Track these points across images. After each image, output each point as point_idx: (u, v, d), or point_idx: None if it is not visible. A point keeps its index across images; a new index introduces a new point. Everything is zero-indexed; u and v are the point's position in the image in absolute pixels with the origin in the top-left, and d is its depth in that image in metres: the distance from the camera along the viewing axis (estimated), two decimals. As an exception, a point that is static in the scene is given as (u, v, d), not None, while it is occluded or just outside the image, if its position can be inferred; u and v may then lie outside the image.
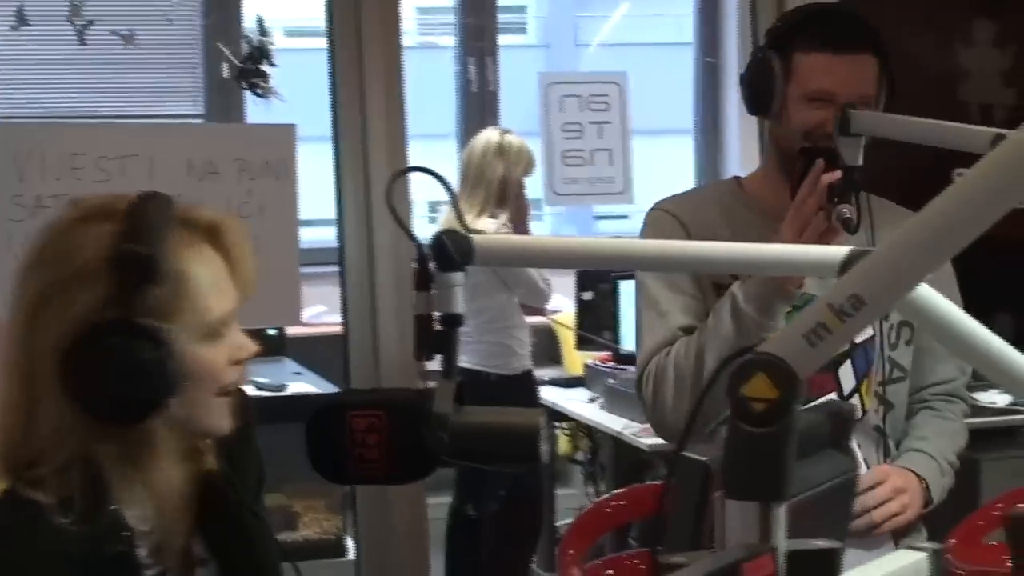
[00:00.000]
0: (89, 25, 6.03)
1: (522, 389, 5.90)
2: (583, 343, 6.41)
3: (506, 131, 5.90)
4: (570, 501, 6.55)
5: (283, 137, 4.09)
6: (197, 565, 1.97)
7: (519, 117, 7.84)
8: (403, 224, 1.98)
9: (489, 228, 5.56)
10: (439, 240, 1.99)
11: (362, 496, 4.23)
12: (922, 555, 1.69)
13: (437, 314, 1.94)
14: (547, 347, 7.03)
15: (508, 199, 5.71)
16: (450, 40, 7.81)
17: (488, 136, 5.85)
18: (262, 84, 5.88)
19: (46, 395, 1.79)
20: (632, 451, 5.43)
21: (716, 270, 2.73)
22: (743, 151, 7.57)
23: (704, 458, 1.76)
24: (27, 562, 1.77)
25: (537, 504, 5.99)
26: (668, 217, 2.95)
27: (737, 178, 3.09)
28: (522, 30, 11.19)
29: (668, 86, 7.88)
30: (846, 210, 2.65)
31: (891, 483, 2.76)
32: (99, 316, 1.77)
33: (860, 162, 2.77)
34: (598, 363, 6.25)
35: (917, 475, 2.82)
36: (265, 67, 5.89)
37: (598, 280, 6.01)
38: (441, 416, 1.82)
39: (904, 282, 1.48)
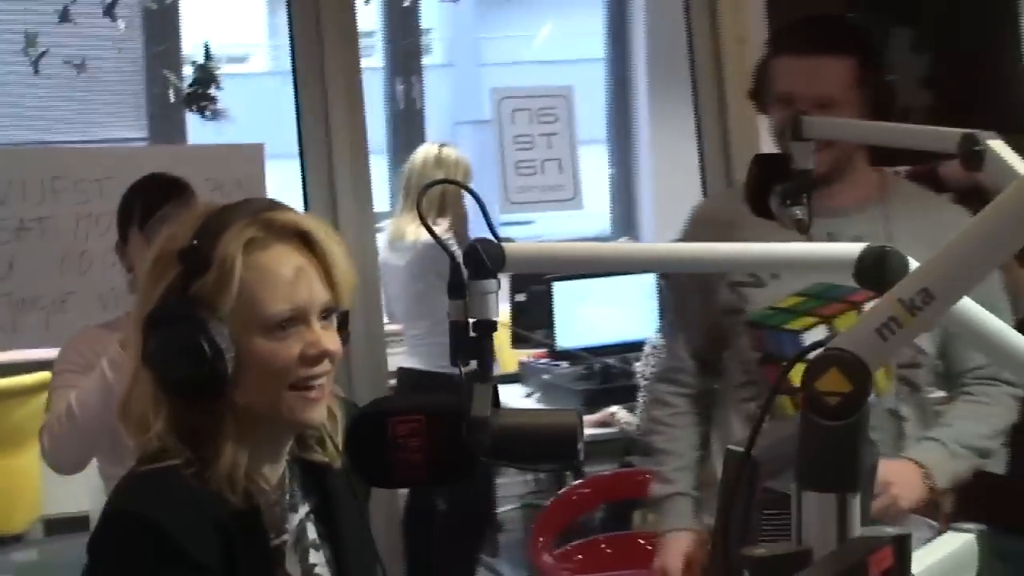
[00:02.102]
0: (43, 55, 5.90)
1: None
2: (517, 341, 6.35)
3: (443, 144, 5.82)
4: (506, 489, 6.50)
5: (252, 156, 4.00)
6: (311, 547, 1.96)
7: (438, 131, 7.79)
8: (435, 235, 1.89)
9: (432, 234, 5.48)
10: (472, 249, 1.91)
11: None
12: (970, 536, 1.63)
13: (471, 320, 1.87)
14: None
15: (448, 208, 5.61)
16: (378, 61, 7.74)
17: (427, 149, 5.78)
18: (211, 106, 5.78)
19: (141, 366, 1.85)
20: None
21: (737, 269, 2.69)
22: (652, 158, 7.58)
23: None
24: (176, 520, 1.78)
25: (488, 495, 5.91)
26: (703, 211, 3.04)
27: None
28: (428, 51, 11.18)
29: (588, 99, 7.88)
30: (799, 212, 2.58)
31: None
32: (165, 299, 1.83)
33: (812, 166, 2.71)
34: (533, 360, 6.20)
35: (917, 463, 2.72)
36: (212, 91, 5.80)
37: (531, 282, 5.96)
38: (481, 419, 1.76)
39: (974, 275, 1.41)
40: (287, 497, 1.94)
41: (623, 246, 2.25)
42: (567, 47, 9.08)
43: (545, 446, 1.84)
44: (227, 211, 1.86)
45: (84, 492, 5.70)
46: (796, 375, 2.69)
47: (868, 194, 2.85)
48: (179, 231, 1.87)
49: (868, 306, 2.75)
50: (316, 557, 1.96)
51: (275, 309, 1.84)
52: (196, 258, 1.81)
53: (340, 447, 1.97)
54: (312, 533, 1.97)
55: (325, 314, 1.89)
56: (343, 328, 1.93)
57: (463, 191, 5.50)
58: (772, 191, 2.60)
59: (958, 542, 1.62)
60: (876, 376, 2.74)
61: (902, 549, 1.49)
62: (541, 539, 3.84)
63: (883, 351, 1.41)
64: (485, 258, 1.89)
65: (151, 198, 3.40)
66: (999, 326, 1.73)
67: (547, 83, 5.32)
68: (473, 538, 5.87)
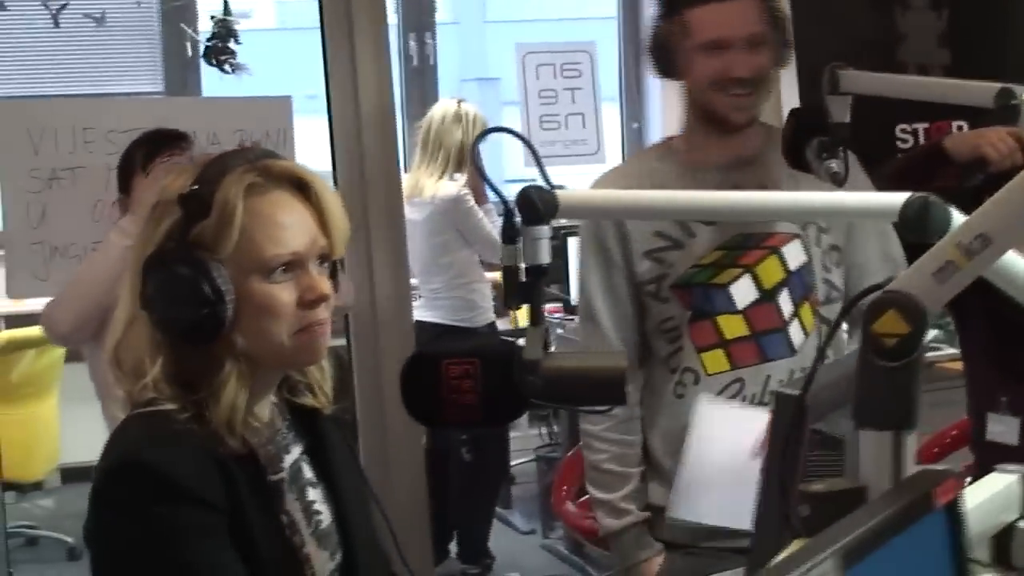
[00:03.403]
0: (63, 8, 5.92)
1: (486, 341, 5.83)
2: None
3: (461, 100, 5.84)
4: (520, 443, 6.54)
5: (280, 109, 4.04)
6: (308, 485, 1.99)
7: (445, 89, 7.79)
8: (491, 182, 1.93)
9: (451, 190, 5.52)
10: (526, 195, 1.95)
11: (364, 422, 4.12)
12: (1015, 477, 1.68)
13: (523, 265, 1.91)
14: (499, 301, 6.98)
15: (465, 163, 5.64)
16: (392, 18, 7.75)
17: (446, 105, 5.78)
18: (230, 60, 5.79)
19: (140, 312, 1.86)
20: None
21: (784, 218, 2.70)
22: (664, 115, 7.59)
23: (797, 392, 1.72)
24: (174, 460, 1.79)
25: (503, 445, 5.95)
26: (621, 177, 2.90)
27: (670, 138, 2.99)
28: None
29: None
30: (834, 164, 2.61)
31: None
32: (164, 243, 1.84)
33: (847, 119, 2.74)
34: (548, 314, 6.21)
35: None
36: (232, 45, 5.82)
37: (547, 237, 5.96)
38: (532, 361, 1.81)
39: (1030, 220, 1.46)
40: (278, 437, 1.96)
41: (678, 193, 2.27)
42: (579, 5, 9.07)
43: (593, 388, 1.88)
44: (225, 158, 1.87)
45: (100, 442, 5.77)
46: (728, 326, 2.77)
47: (762, 143, 2.84)
48: (178, 178, 1.88)
49: (785, 248, 2.78)
50: (314, 494, 1.99)
51: (274, 252, 1.85)
52: (197, 202, 1.82)
53: (330, 394, 2.02)
54: (308, 472, 2.00)
55: (321, 260, 1.91)
56: (333, 276, 1.95)
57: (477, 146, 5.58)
58: (808, 145, 2.63)
59: (1004, 482, 1.67)
60: (801, 314, 2.81)
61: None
62: (564, 488, 3.89)
63: (941, 293, 1.46)
64: (538, 204, 1.94)
65: (152, 147, 3.52)
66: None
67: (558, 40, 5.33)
68: (492, 488, 5.92)
